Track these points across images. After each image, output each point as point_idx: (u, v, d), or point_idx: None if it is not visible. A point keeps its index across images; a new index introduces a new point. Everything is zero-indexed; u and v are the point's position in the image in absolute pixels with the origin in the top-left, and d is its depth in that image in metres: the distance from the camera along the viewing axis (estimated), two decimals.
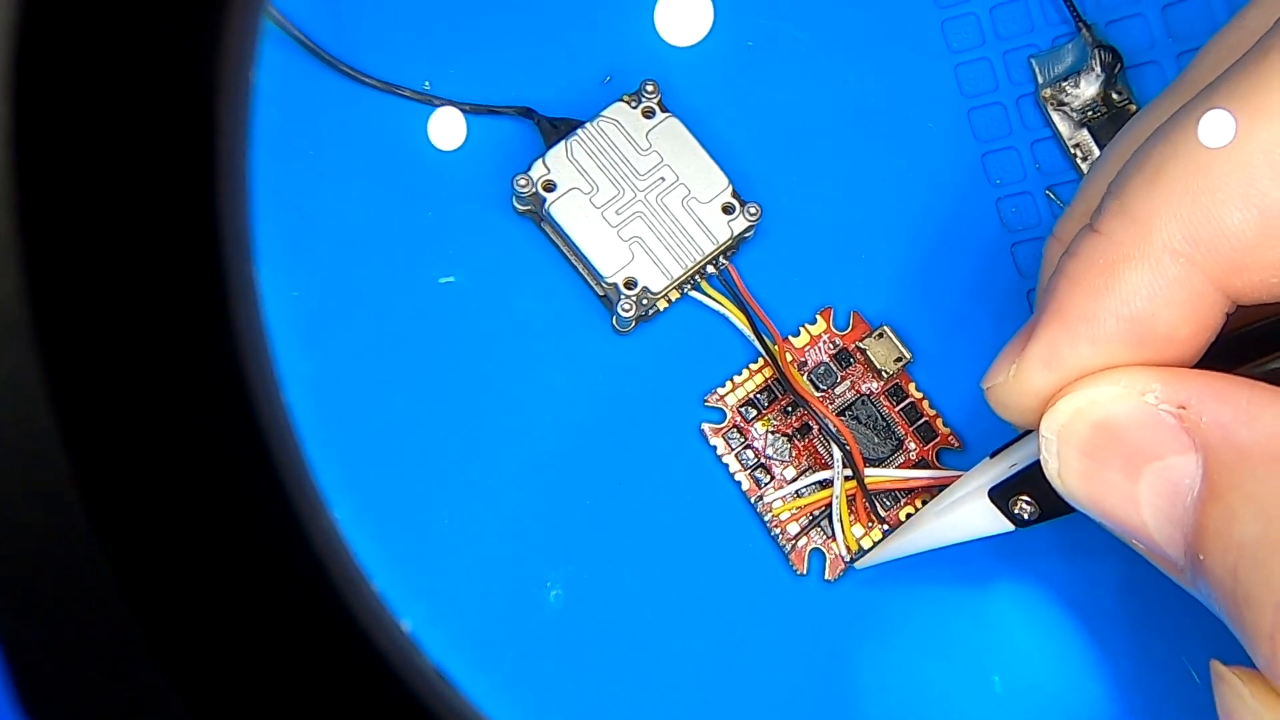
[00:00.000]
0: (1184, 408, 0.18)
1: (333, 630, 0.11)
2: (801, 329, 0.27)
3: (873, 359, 0.27)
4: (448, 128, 0.27)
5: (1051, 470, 0.20)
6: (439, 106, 0.27)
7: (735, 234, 0.26)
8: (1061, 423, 0.20)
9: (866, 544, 0.26)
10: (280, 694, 0.10)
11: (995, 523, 0.23)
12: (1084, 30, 0.28)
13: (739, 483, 0.26)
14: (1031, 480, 0.21)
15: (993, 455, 0.23)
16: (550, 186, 0.26)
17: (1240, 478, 0.18)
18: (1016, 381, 0.20)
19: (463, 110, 0.27)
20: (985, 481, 0.23)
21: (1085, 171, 0.28)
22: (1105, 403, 0.19)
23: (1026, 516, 0.22)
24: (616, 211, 0.26)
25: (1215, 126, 0.18)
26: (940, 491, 0.26)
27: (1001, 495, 0.22)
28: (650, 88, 0.27)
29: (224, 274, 0.10)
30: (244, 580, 0.10)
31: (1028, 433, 0.22)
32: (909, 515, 0.26)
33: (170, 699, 0.10)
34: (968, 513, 0.23)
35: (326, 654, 0.11)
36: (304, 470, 0.11)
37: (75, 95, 0.09)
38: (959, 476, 0.26)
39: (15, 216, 0.09)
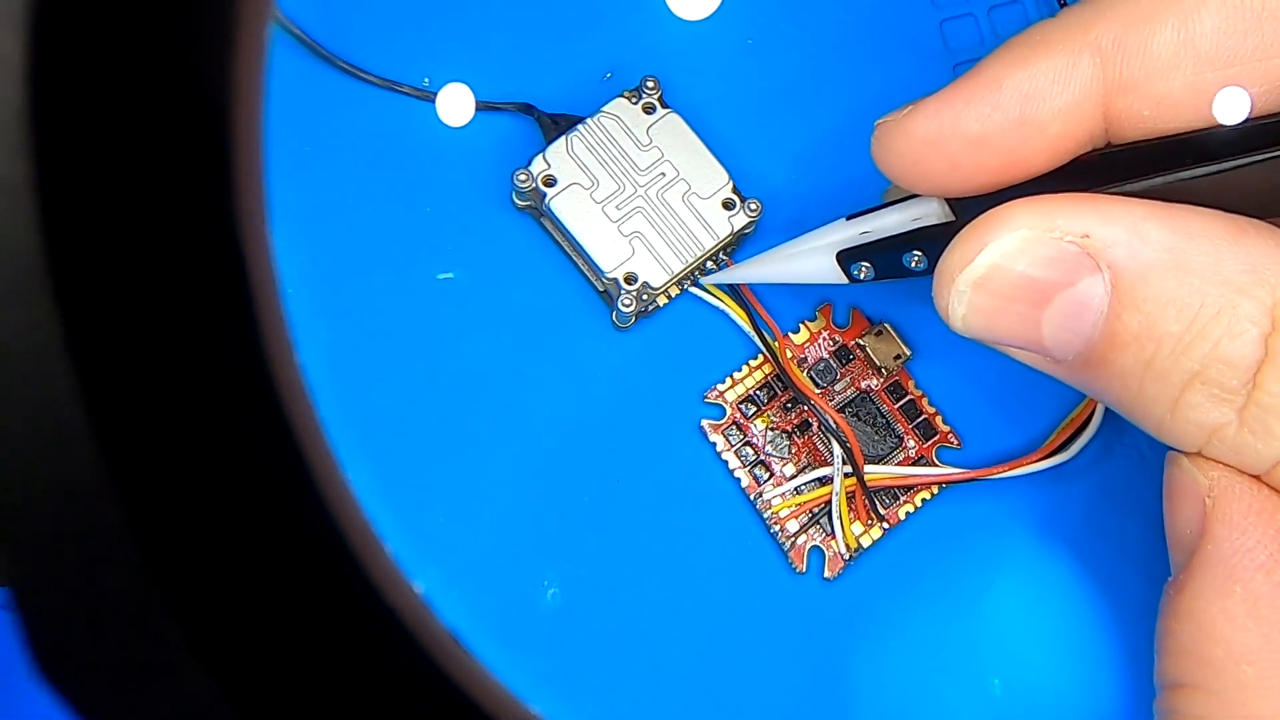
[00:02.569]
0: (1086, 236, 0.20)
1: (347, 595, 0.10)
2: (801, 325, 0.27)
3: (872, 356, 0.27)
4: (456, 104, 0.27)
5: (956, 314, 0.22)
6: (448, 84, 0.27)
7: (736, 230, 0.26)
8: (979, 275, 0.21)
9: (866, 541, 0.26)
10: (299, 660, 0.10)
11: (832, 275, 0.25)
12: None
13: (738, 479, 0.26)
14: (877, 251, 0.24)
15: (849, 219, 0.25)
16: (550, 182, 0.26)
17: (1154, 287, 0.20)
18: (903, 121, 0.22)
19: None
20: (835, 242, 0.24)
21: None
22: (1020, 250, 0.21)
23: (863, 277, 0.24)
24: (617, 207, 0.26)
25: (1231, 103, 0.20)
26: (940, 490, 0.26)
27: (849, 257, 0.24)
28: (651, 84, 0.27)
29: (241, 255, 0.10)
30: (257, 539, 0.10)
31: (884, 205, 0.24)
32: (908, 513, 0.26)
33: (188, 660, 0.10)
34: (813, 264, 0.25)
35: (345, 625, 0.10)
36: (327, 453, 0.11)
37: (92, 103, 0.09)
38: (958, 474, 0.26)
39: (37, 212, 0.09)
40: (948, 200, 0.23)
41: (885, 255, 0.24)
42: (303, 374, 0.10)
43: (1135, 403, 0.21)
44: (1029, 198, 0.21)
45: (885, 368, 0.27)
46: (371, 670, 0.10)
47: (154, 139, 0.09)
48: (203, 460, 0.09)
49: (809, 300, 0.27)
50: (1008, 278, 0.21)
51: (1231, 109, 0.20)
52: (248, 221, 0.10)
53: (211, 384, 0.10)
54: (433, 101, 0.27)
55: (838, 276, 0.25)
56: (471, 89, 0.27)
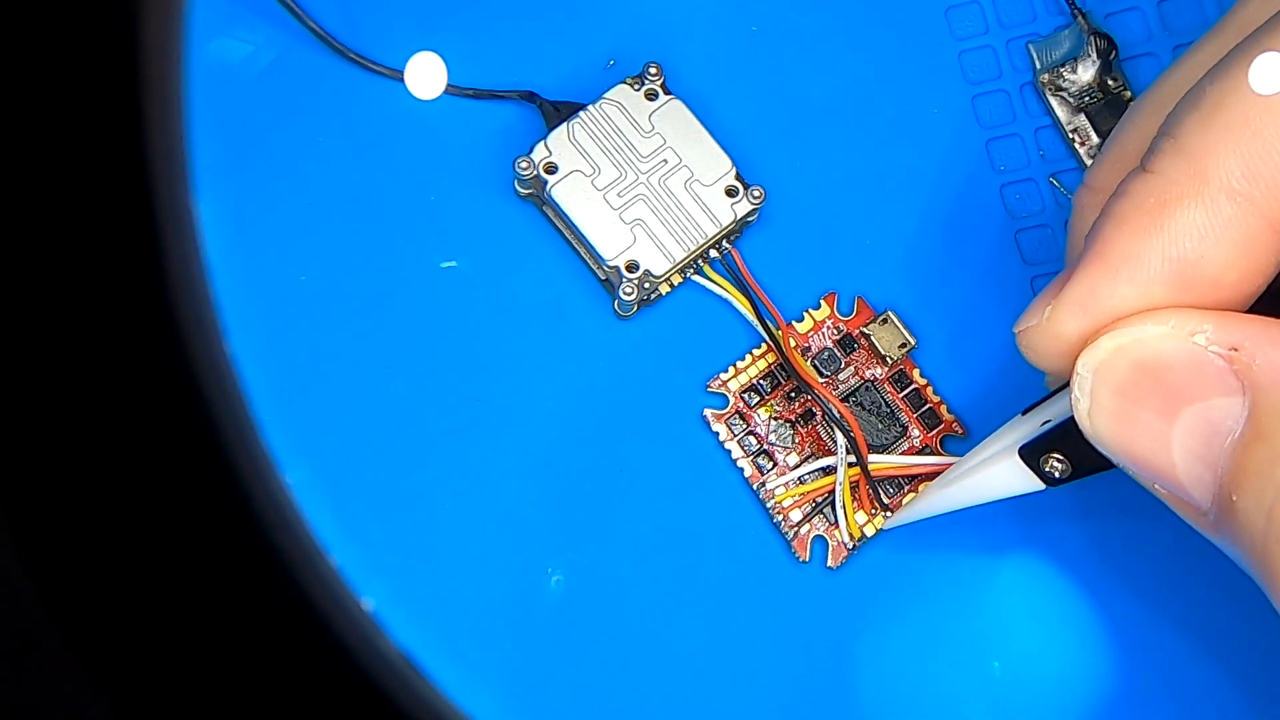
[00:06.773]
0: (1236, 350, 0.18)
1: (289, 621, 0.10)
2: (805, 314, 0.27)
3: (877, 345, 0.27)
4: (426, 75, 0.26)
5: (1082, 409, 0.19)
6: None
7: (739, 217, 0.26)
8: (1100, 359, 0.19)
9: (870, 531, 0.26)
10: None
11: (1025, 482, 0.22)
12: (1079, 16, 0.28)
13: (741, 469, 0.26)
14: (1065, 437, 0.21)
15: (1024, 413, 0.22)
16: (552, 169, 0.26)
17: None
18: (1050, 324, 0.20)
19: (465, 94, 0.27)
20: (1015, 439, 0.22)
21: (1082, 149, 0.28)
22: (1150, 341, 0.19)
23: (1058, 475, 0.21)
24: (619, 194, 0.26)
25: (1268, 71, 0.18)
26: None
27: (1033, 453, 0.22)
28: (653, 70, 0.27)
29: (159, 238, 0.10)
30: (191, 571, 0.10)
31: (1060, 389, 0.22)
32: (912, 501, 0.26)
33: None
34: (997, 471, 0.22)
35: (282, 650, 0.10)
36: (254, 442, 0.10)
37: None
38: None
39: None
40: None
41: (1074, 441, 0.20)
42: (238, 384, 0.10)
43: (1266, 572, 0.18)
44: (1187, 305, 0.19)
45: (889, 356, 0.27)
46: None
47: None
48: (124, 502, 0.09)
49: (813, 290, 0.27)
50: (1130, 371, 0.19)
51: (1270, 77, 0.18)
52: None
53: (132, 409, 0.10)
54: (441, 92, 0.27)
55: (1031, 482, 0.22)
56: (473, 77, 0.27)
